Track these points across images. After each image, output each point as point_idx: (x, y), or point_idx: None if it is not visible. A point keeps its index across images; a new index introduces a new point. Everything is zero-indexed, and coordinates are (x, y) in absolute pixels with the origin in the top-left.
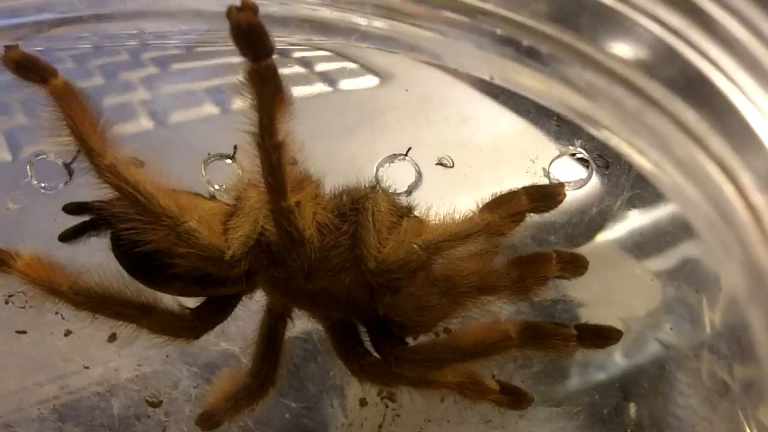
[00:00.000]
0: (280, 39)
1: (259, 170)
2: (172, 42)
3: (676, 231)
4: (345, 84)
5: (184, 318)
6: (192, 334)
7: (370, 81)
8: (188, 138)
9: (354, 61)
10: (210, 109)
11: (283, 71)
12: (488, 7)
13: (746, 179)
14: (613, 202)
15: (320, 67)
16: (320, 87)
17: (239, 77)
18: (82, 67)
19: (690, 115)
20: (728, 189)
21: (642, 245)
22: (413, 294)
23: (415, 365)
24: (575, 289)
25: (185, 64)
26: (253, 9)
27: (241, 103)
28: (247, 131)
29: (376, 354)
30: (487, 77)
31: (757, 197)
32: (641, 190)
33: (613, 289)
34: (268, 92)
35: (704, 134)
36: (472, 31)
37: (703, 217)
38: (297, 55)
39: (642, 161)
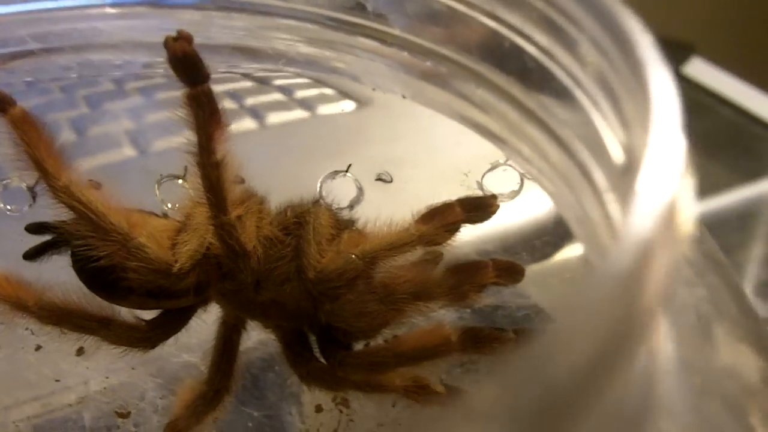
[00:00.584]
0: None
1: (202, 188)
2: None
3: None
4: (290, 115)
5: (140, 329)
6: (148, 344)
7: (309, 108)
8: (144, 162)
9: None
10: (161, 134)
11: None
12: (395, 32)
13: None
14: (547, 210)
15: (249, 98)
16: (265, 118)
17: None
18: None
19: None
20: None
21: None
22: (351, 301)
23: (358, 369)
24: (515, 295)
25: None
26: (188, 39)
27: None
28: (188, 152)
29: (323, 360)
30: (400, 95)
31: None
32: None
33: (553, 295)
34: (204, 114)
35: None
36: (383, 54)
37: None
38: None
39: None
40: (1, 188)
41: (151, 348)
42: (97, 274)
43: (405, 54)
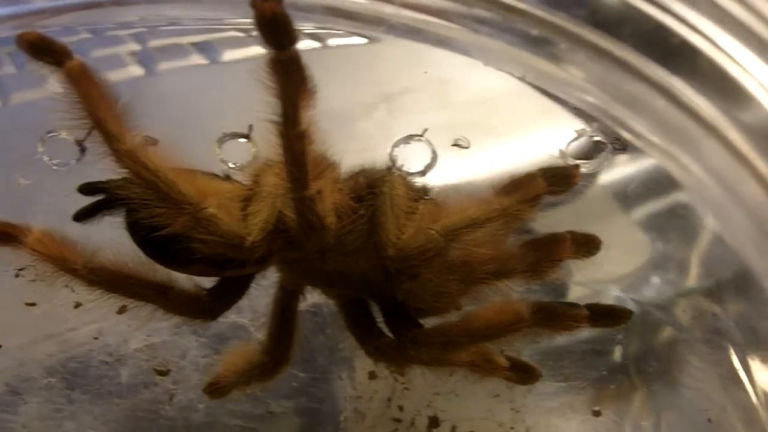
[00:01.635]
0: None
1: (281, 158)
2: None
3: (684, 210)
4: (363, 63)
5: (201, 299)
6: (209, 315)
7: (389, 63)
8: (199, 116)
9: (373, 41)
10: (222, 86)
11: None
12: (523, 6)
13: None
14: (629, 182)
15: (335, 42)
16: (337, 65)
17: (263, 65)
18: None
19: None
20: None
21: (655, 224)
22: (431, 280)
23: (431, 348)
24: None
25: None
26: None
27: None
28: (270, 120)
29: (389, 334)
30: (518, 76)
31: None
32: (657, 173)
33: (624, 267)
34: (291, 82)
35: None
36: (505, 30)
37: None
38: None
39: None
40: (46, 141)
41: (212, 319)
42: (159, 242)
43: (532, 32)
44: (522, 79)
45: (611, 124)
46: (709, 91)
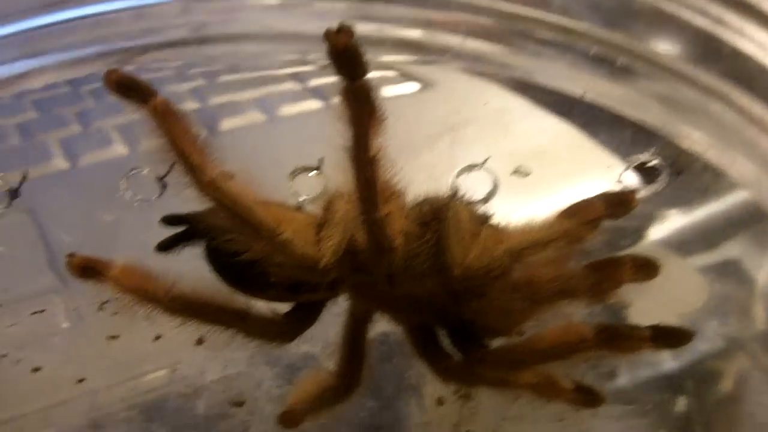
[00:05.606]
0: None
1: (352, 183)
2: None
3: (741, 230)
4: (426, 98)
5: (278, 323)
6: (286, 337)
7: (451, 95)
8: (271, 151)
9: (434, 78)
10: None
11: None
12: (581, 27)
13: None
14: (685, 207)
15: (402, 83)
16: (405, 102)
17: (336, 96)
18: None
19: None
20: None
21: (701, 241)
22: (497, 299)
23: (498, 367)
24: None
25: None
26: (349, 32)
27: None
28: (343, 146)
29: (455, 356)
30: (579, 94)
31: None
32: (710, 196)
33: (678, 289)
34: (363, 110)
35: None
36: (566, 51)
37: None
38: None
39: (723, 164)
40: (130, 178)
41: (288, 341)
42: (236, 268)
43: (591, 50)
44: (582, 97)
45: (673, 141)
46: None
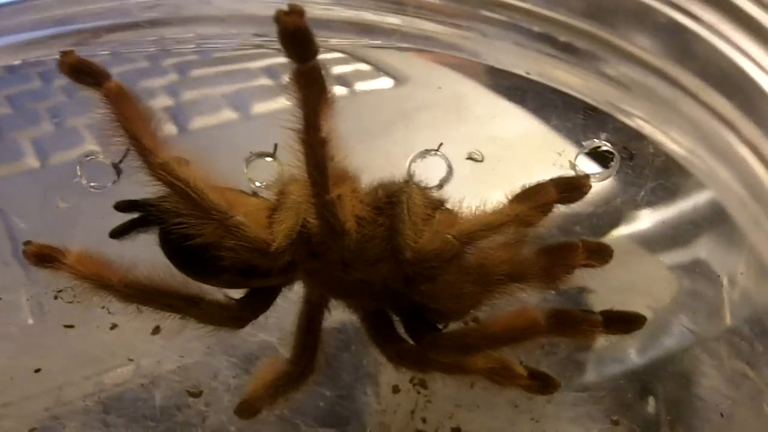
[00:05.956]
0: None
1: (303, 165)
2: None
3: (700, 218)
4: (380, 84)
5: (231, 308)
6: (238, 323)
7: (405, 80)
8: (230, 138)
9: (388, 63)
10: (251, 109)
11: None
12: (526, 6)
13: None
14: (637, 192)
15: (354, 68)
16: (357, 87)
17: (286, 77)
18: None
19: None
20: (759, 170)
21: (665, 233)
22: (448, 282)
23: (449, 351)
24: (600, 277)
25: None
26: (300, 13)
27: (287, 101)
28: (292, 128)
29: (410, 341)
30: (523, 73)
31: None
32: (664, 180)
33: (638, 277)
34: (313, 91)
35: (735, 120)
36: (510, 29)
37: (736, 198)
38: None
39: (674, 149)
40: (84, 164)
41: (241, 327)
42: (189, 253)
43: (535, 28)
44: (527, 75)
45: (622, 128)
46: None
